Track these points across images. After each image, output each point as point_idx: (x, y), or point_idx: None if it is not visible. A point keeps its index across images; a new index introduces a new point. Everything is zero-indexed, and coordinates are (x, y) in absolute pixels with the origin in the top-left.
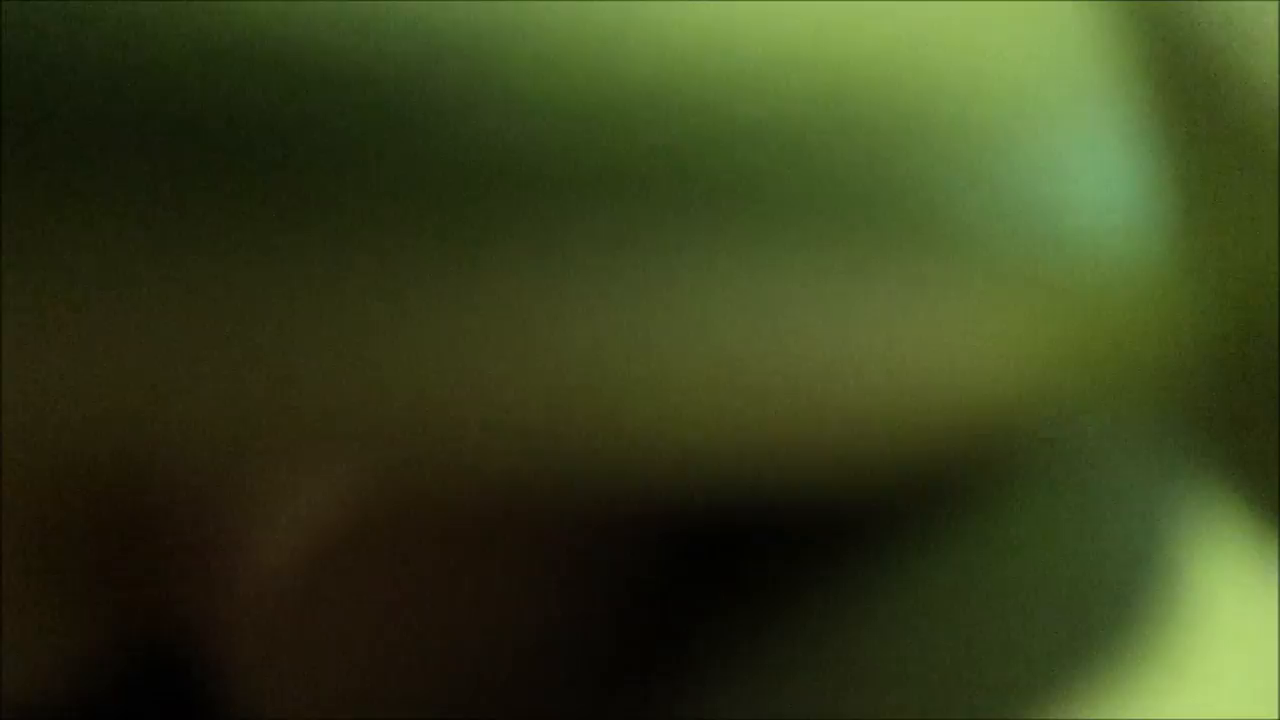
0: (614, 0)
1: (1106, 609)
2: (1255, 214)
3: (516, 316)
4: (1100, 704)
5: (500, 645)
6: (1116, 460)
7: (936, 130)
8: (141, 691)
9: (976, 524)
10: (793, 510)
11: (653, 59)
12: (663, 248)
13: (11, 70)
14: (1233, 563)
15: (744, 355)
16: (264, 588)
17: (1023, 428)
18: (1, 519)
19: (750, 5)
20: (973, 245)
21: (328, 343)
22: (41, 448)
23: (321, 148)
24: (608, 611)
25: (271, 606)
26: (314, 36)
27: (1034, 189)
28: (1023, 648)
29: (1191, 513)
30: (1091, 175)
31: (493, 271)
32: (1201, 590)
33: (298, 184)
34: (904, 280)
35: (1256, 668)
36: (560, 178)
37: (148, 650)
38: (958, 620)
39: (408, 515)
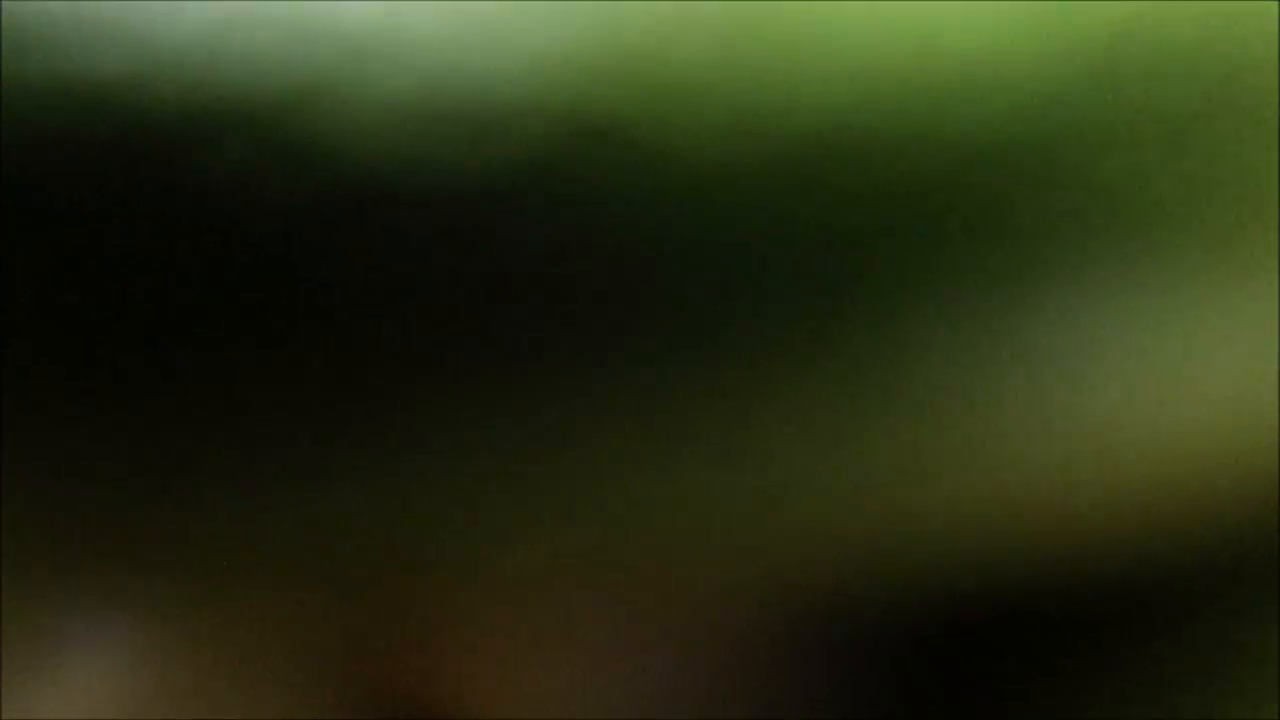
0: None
1: None
2: None
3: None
4: None
5: None
6: None
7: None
8: None
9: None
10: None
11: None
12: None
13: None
14: None
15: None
16: (510, 665)
17: None
18: (281, 619)
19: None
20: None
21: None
22: (310, 559)
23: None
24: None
25: (515, 680)
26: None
27: None
28: None
29: None
30: None
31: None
32: None
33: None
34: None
35: None
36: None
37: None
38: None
39: (665, 613)
